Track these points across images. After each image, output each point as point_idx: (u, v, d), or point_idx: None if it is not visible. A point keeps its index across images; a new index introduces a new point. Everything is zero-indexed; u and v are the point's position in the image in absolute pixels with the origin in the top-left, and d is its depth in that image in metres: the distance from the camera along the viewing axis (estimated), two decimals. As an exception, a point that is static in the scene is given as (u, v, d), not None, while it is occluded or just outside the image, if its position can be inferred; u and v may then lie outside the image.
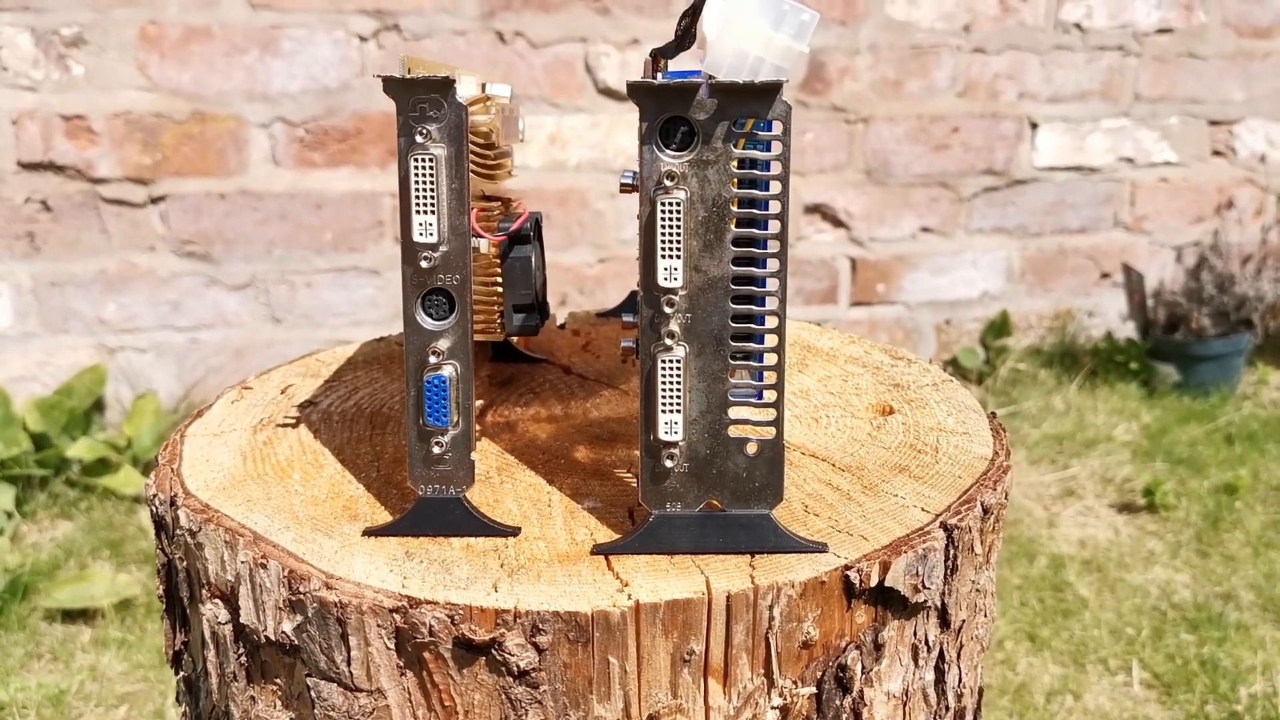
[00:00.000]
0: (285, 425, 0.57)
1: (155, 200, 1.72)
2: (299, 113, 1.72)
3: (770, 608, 0.43)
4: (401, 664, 0.43)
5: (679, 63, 0.51)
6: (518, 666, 0.42)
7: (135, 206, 1.72)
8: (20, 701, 1.24)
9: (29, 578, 1.42)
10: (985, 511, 0.49)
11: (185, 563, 0.49)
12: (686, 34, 0.53)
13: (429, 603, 0.42)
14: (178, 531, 0.49)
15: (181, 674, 0.54)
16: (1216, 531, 1.55)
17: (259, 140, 1.72)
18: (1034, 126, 1.96)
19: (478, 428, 0.57)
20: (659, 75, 0.52)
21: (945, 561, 0.47)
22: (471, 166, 0.54)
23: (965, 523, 0.47)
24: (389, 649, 0.43)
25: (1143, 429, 1.83)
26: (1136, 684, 1.27)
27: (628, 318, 0.50)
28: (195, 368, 1.79)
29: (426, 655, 0.42)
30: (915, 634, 0.47)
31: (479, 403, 0.59)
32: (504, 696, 0.42)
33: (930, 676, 0.49)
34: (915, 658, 0.48)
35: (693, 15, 0.52)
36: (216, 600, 0.47)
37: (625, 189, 0.46)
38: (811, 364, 0.64)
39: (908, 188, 1.94)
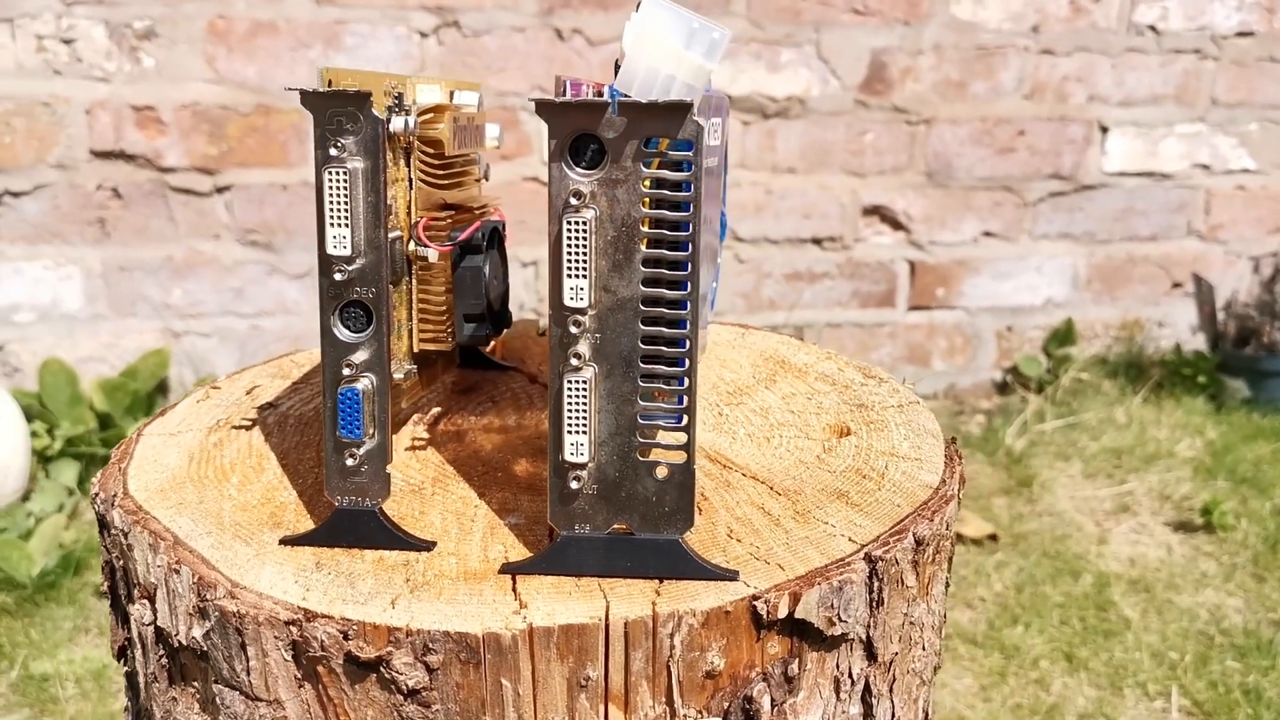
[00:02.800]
0: (239, 427, 0.57)
1: (220, 190, 1.75)
2: (355, 106, 1.74)
3: (671, 636, 0.42)
4: (299, 676, 0.43)
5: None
6: (407, 685, 0.41)
7: (201, 195, 1.76)
8: (64, 674, 1.28)
9: (81, 554, 1.46)
10: (918, 543, 0.47)
11: (121, 562, 0.50)
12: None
13: (324, 617, 0.42)
14: (114, 531, 0.50)
15: (125, 669, 0.55)
16: (1275, 555, 1.49)
17: (316, 133, 1.74)
18: (1104, 131, 1.91)
19: (426, 435, 0.57)
20: (609, 86, 0.51)
21: (869, 594, 0.46)
22: (422, 177, 0.54)
23: (892, 554, 0.46)
24: (286, 660, 0.43)
25: (1207, 445, 1.77)
26: (1175, 711, 1.22)
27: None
28: (256, 353, 1.83)
29: (320, 669, 0.42)
30: (838, 666, 0.46)
31: (435, 410, 0.59)
32: (396, 714, 0.42)
33: (856, 710, 0.48)
34: (837, 690, 0.46)
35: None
36: (144, 601, 0.48)
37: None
38: (780, 380, 0.63)
39: (970, 191, 1.90)
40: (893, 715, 0.49)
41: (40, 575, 1.41)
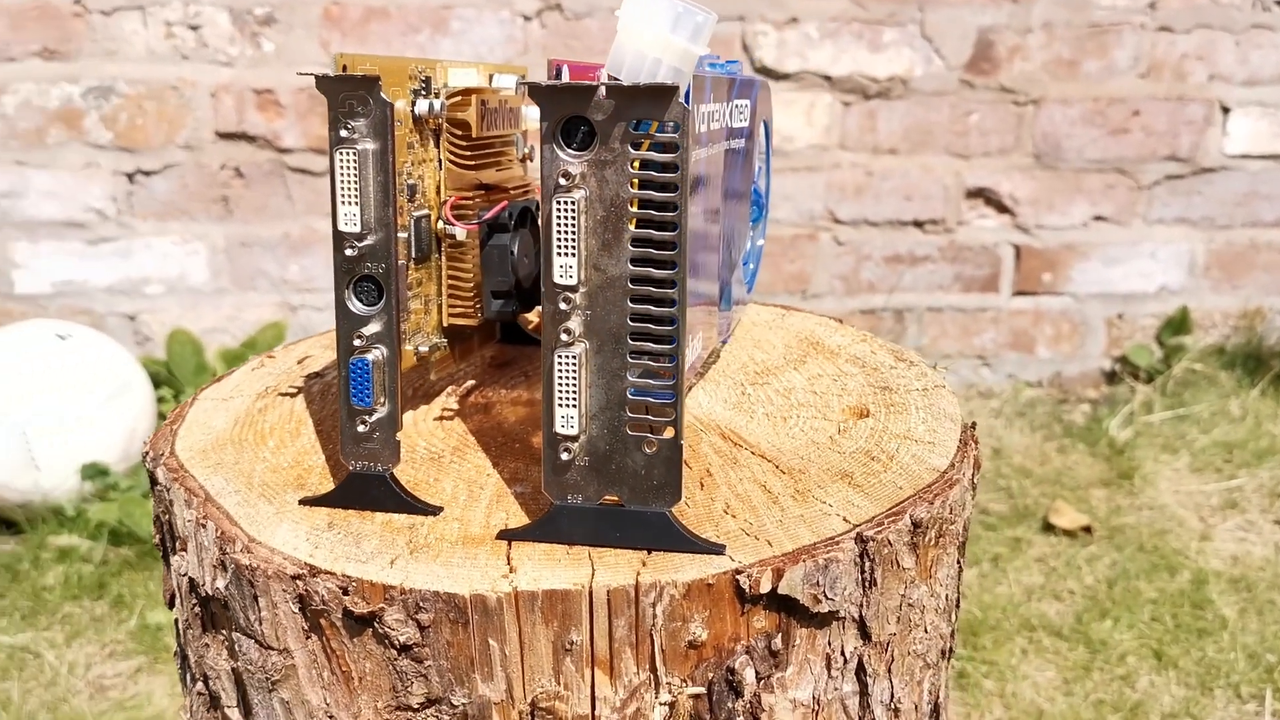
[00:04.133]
0: (285, 394, 0.61)
1: (330, 169, 1.81)
2: (459, 88, 1.78)
3: (653, 605, 0.43)
4: (306, 628, 0.46)
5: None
6: (399, 641, 0.44)
7: (316, 175, 1.82)
8: (170, 626, 1.36)
9: (197, 514, 1.54)
10: (916, 526, 0.48)
11: (166, 516, 0.54)
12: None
13: (326, 573, 0.44)
14: (158, 487, 0.53)
15: (175, 616, 0.59)
16: (1389, 558, 1.42)
17: (421, 114, 1.79)
18: (1225, 111, 1.83)
19: (456, 407, 0.59)
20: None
21: (861, 573, 0.46)
22: (451, 158, 0.56)
23: (884, 535, 0.46)
24: (294, 613, 0.45)
25: (1327, 442, 1.70)
26: (1269, 714, 1.18)
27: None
28: (362, 329, 1.89)
29: (323, 622, 0.45)
30: (829, 644, 0.47)
31: (469, 383, 0.62)
32: (392, 667, 0.44)
33: (849, 688, 0.48)
34: (828, 667, 0.47)
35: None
36: (183, 553, 0.51)
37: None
38: (810, 361, 0.63)
39: (1080, 173, 1.85)
40: (891, 695, 0.50)
41: (156, 533, 1.49)
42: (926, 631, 0.50)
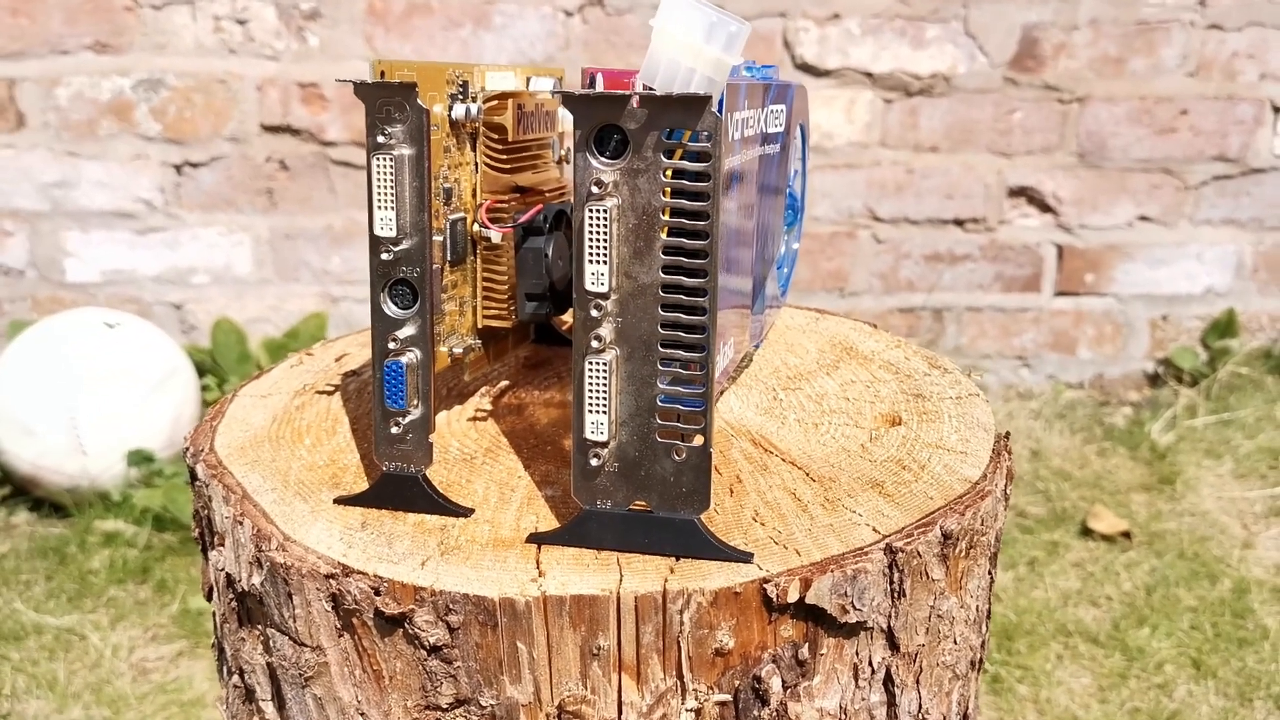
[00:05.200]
0: (322, 392, 0.61)
1: (373, 162, 1.83)
2: (501, 83, 1.79)
3: (680, 612, 0.44)
4: (339, 626, 0.46)
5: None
6: (429, 642, 0.44)
7: (359, 168, 1.84)
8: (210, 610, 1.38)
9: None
10: (946, 537, 0.47)
11: (205, 511, 0.54)
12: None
13: (359, 573, 0.45)
14: (198, 483, 0.54)
15: (213, 610, 0.60)
16: None
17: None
18: (1277, 111, 1.80)
19: (489, 408, 0.59)
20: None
21: (890, 584, 0.46)
22: (488, 161, 0.56)
23: (914, 546, 0.46)
24: (327, 611, 0.46)
25: (1375, 449, 1.67)
26: (1308, 726, 1.17)
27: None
28: (403, 321, 1.90)
29: (355, 621, 0.45)
30: (857, 654, 0.47)
31: (503, 383, 0.62)
32: (422, 667, 0.45)
33: (878, 698, 0.48)
34: (856, 677, 0.47)
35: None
36: (220, 548, 0.52)
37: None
38: (844, 367, 0.63)
39: (1125, 173, 1.83)
40: (919, 706, 0.50)
41: (198, 521, 1.51)
42: (956, 643, 0.50)
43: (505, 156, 0.57)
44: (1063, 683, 1.25)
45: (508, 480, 0.52)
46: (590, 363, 0.44)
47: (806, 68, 1.79)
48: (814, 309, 0.74)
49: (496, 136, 0.56)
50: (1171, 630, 1.31)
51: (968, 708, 0.54)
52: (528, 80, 0.61)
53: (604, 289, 0.44)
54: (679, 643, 0.44)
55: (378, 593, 0.45)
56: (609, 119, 0.43)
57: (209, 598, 0.59)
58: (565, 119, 0.64)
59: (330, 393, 0.61)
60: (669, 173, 0.43)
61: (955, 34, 1.78)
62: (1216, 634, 1.31)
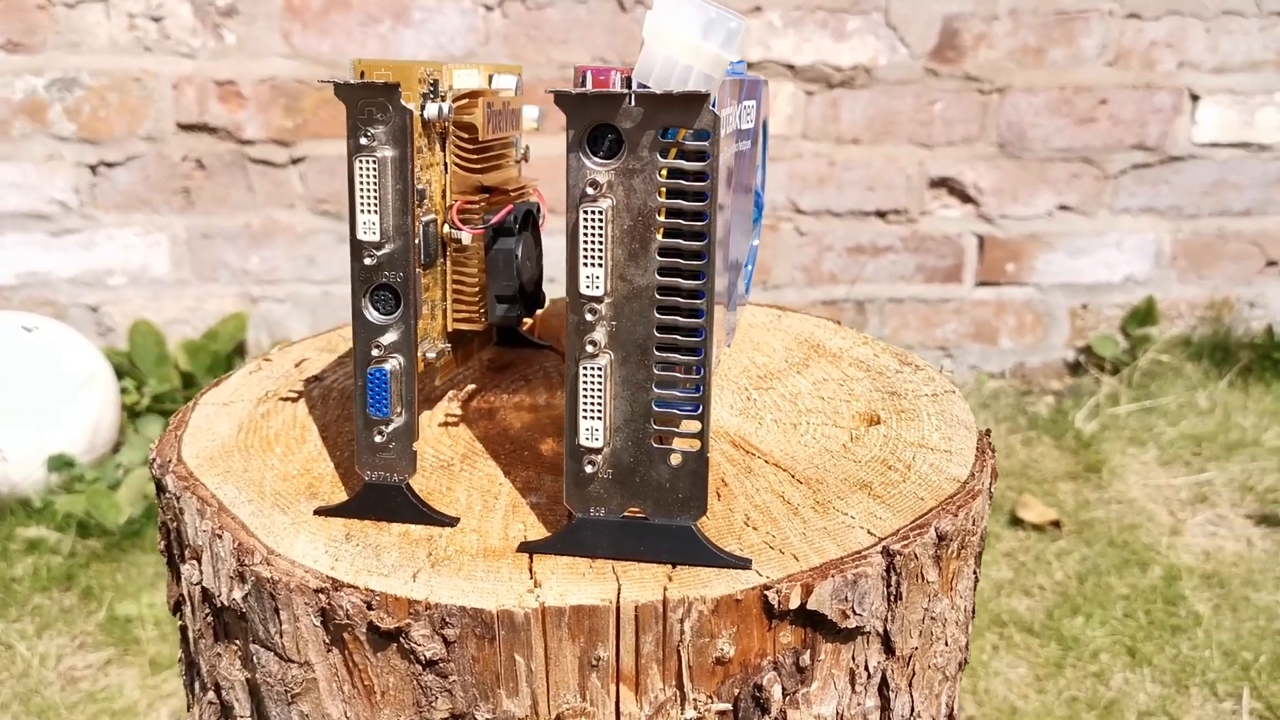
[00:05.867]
0: (286, 399, 0.59)
1: (295, 161, 1.79)
2: (428, 78, 1.76)
3: (681, 621, 0.43)
4: (328, 641, 0.45)
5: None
6: (425, 656, 0.43)
7: (277, 166, 1.80)
8: (146, 616, 1.34)
9: (164, 507, 1.52)
10: (941, 539, 0.47)
11: (175, 524, 0.52)
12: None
13: (350, 587, 0.43)
14: (167, 495, 0.52)
15: (180, 622, 0.57)
16: (1357, 549, 1.45)
17: (390, 104, 1.77)
18: (1194, 99, 1.85)
19: (459, 412, 0.58)
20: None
21: (886, 588, 0.46)
22: (457, 161, 0.55)
23: (911, 549, 0.46)
24: (316, 626, 0.45)
25: (1293, 433, 1.72)
26: (1246, 714, 1.20)
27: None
28: (327, 318, 1.87)
29: (346, 636, 0.44)
30: (853, 659, 0.47)
31: (469, 387, 0.61)
32: (416, 682, 0.44)
33: (872, 702, 0.48)
34: (852, 682, 0.47)
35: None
36: (193, 561, 0.50)
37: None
38: (813, 365, 0.63)
39: (1045, 163, 1.87)
40: (912, 710, 0.50)
41: (127, 523, 1.47)
42: (947, 644, 0.50)
43: (475, 156, 0.55)
44: (1000, 673, 1.26)
45: (489, 487, 0.51)
46: (585, 368, 0.43)
47: (734, 62, 1.79)
48: (773, 306, 0.74)
49: (466, 136, 0.55)
50: (1105, 619, 1.34)
51: (953, 709, 0.54)
52: (490, 78, 0.60)
53: (599, 292, 0.43)
54: (679, 652, 0.43)
55: (370, 606, 0.43)
56: (603, 118, 0.42)
57: (175, 612, 0.57)
58: (528, 116, 0.62)
59: (294, 399, 0.59)
60: (664, 172, 0.42)
61: (876, 25, 1.79)
62: (1150, 621, 1.34)
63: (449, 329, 0.56)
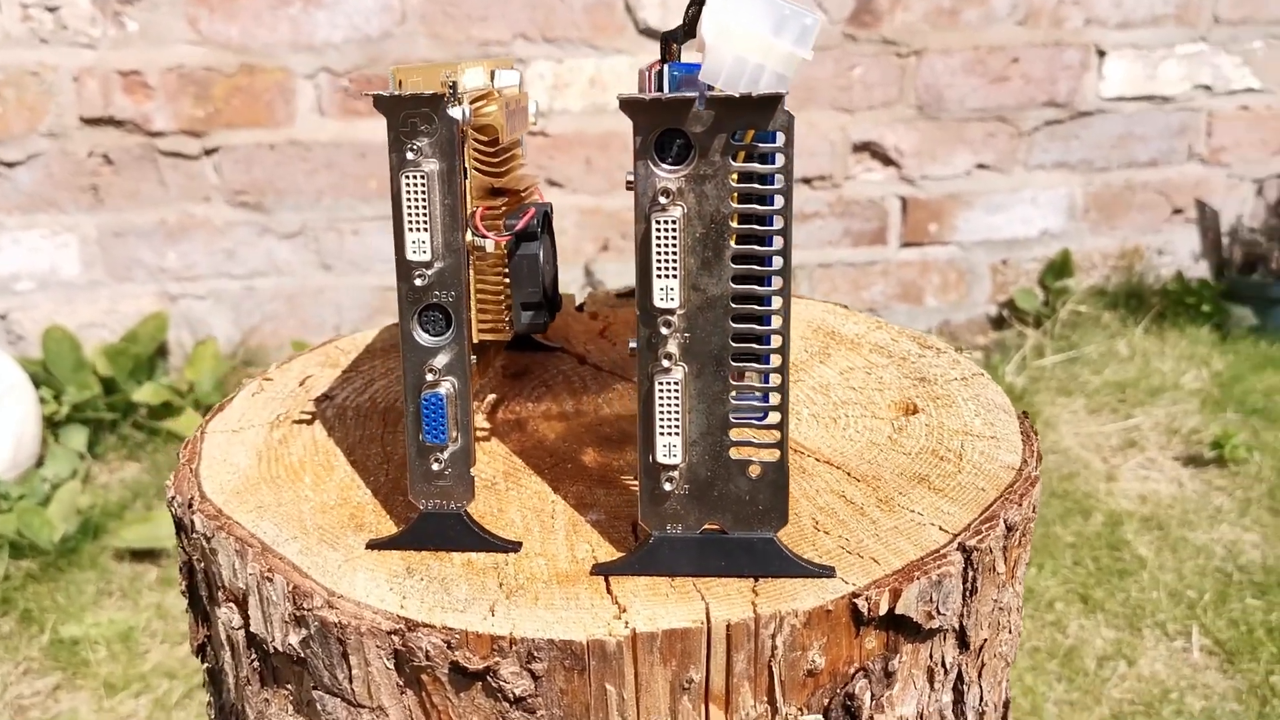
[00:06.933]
0: (300, 422, 0.57)
1: (209, 152, 1.72)
2: (342, 62, 1.71)
3: (773, 637, 0.42)
4: (401, 683, 0.43)
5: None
6: (513, 693, 0.41)
7: (190, 158, 1.73)
8: (93, 637, 1.29)
9: (99, 518, 1.46)
10: (1009, 530, 0.47)
11: (203, 564, 0.50)
12: (694, 23, 0.51)
13: (426, 626, 0.41)
14: (194, 535, 0.49)
15: (205, 665, 0.55)
16: (1288, 487, 1.50)
17: (305, 91, 1.71)
18: (1101, 55, 1.89)
19: (488, 425, 0.56)
20: (667, 64, 0.50)
21: (963, 585, 0.46)
22: (476, 165, 0.52)
23: (986, 544, 0.46)
24: (389, 669, 0.42)
25: (1214, 376, 1.78)
26: (1196, 651, 1.24)
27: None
28: (251, 314, 1.81)
29: (425, 678, 0.42)
30: (930, 657, 0.46)
31: (491, 397, 0.59)
32: (502, 719, 0.42)
33: (948, 698, 0.48)
34: (931, 680, 0.47)
35: (699, 4, 0.49)
36: (230, 605, 0.47)
37: (629, 186, 0.44)
38: (834, 353, 0.62)
39: (962, 123, 1.89)
40: (981, 699, 0.50)
41: (62, 541, 1.41)
42: (1011, 632, 0.50)
43: (495, 159, 0.53)
44: (966, 626, 1.29)
45: (541, 506, 0.49)
46: (660, 383, 0.42)
47: (650, 33, 1.77)
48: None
49: (485, 139, 0.52)
50: (1056, 568, 1.37)
51: (1007, 693, 0.54)
52: (491, 74, 0.58)
53: (674, 305, 0.41)
54: (770, 668, 0.42)
55: (451, 646, 0.41)
56: (672, 123, 0.40)
57: (200, 655, 0.54)
58: (530, 110, 0.60)
59: (309, 421, 0.57)
60: (734, 176, 0.41)
61: (800, -6, 1.79)
62: (1099, 568, 1.37)
63: (475, 340, 0.54)
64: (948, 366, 0.60)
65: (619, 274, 1.85)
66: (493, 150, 0.53)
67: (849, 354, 0.63)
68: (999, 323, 2.03)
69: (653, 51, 1.77)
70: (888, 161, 1.91)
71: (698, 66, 0.49)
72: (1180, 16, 1.89)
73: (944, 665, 0.47)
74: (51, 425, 1.62)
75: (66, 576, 1.38)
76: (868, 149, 1.90)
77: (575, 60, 1.75)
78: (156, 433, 1.67)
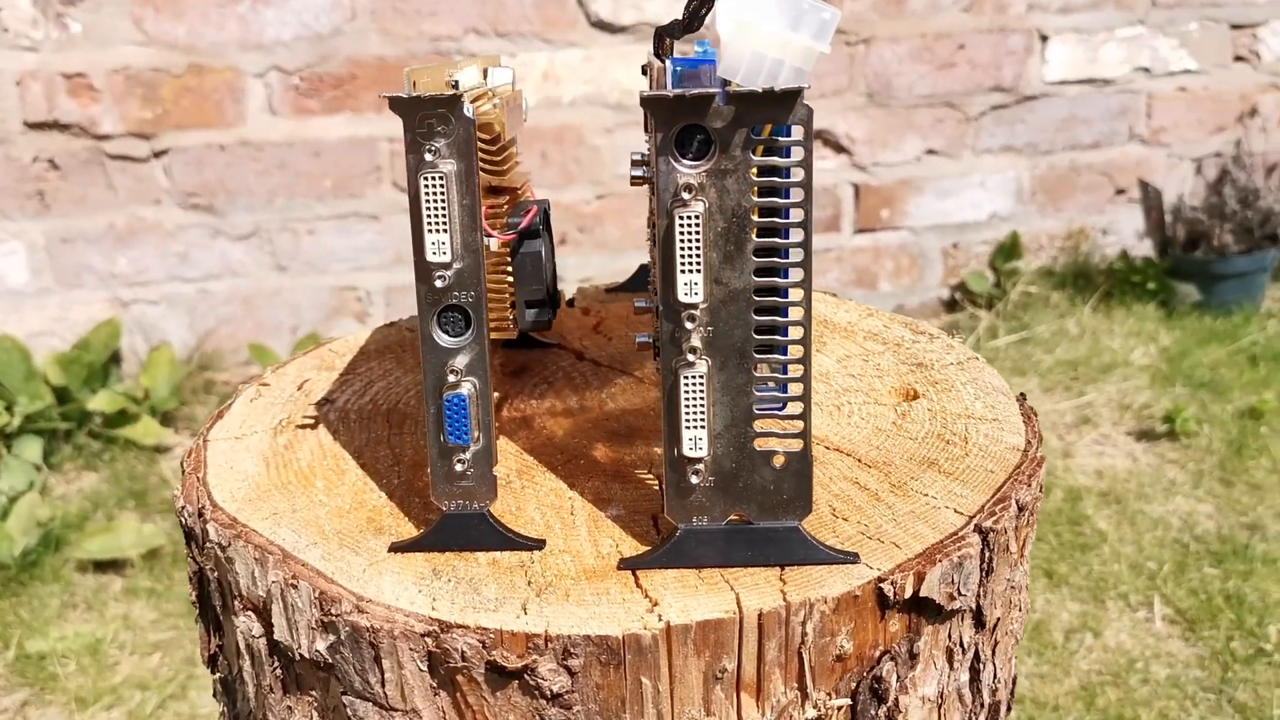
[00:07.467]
0: (304, 426, 0.56)
1: (158, 154, 1.70)
2: (293, 60, 1.69)
3: (803, 624, 0.43)
4: (435, 685, 0.43)
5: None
6: (551, 690, 0.42)
7: (139, 161, 1.70)
8: (60, 651, 1.27)
9: (60, 530, 1.44)
10: (1020, 509, 0.48)
11: (216, 573, 0.49)
12: (695, 17, 0.51)
13: (460, 627, 0.42)
14: (208, 544, 0.49)
15: (217, 675, 0.54)
16: (1241, 459, 1.54)
17: (255, 90, 1.69)
18: (1044, 39, 1.92)
19: (495, 424, 0.56)
20: (665, 58, 0.50)
21: (980, 566, 0.46)
22: (480, 165, 0.52)
23: (1000, 524, 0.47)
24: (422, 671, 0.43)
25: (1161, 352, 1.82)
26: (1159, 620, 1.27)
27: (640, 303, 0.49)
28: (206, 317, 1.78)
29: (459, 678, 0.42)
30: (950, 637, 0.47)
31: (494, 395, 0.59)
32: (538, 717, 0.42)
33: (965, 677, 0.49)
34: (950, 660, 0.47)
35: (703, 1, 0.50)
36: (249, 613, 0.47)
37: (636, 182, 0.45)
38: (829, 341, 0.63)
39: (911, 109, 1.91)
40: (994, 676, 0.51)
41: (23, 555, 1.38)
42: (1020, 609, 0.51)
43: (496, 158, 0.53)
44: (937, 606, 1.31)
45: (559, 503, 0.49)
46: (686, 377, 0.42)
47: (602, 25, 1.77)
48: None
49: (487, 137, 0.52)
50: (1024, 542, 1.39)
51: (1014, 669, 0.55)
52: (485, 72, 0.58)
53: (698, 299, 0.42)
54: (800, 654, 0.43)
55: (486, 646, 0.41)
56: (693, 119, 0.40)
57: (212, 666, 0.54)
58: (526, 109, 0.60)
59: (312, 426, 0.56)
60: (756, 171, 0.41)
61: (749, -16, 1.80)
62: (1061, 543, 1.40)
63: (479, 339, 0.54)
64: (942, 351, 0.61)
65: (577, 268, 1.85)
66: (494, 149, 0.53)
67: (844, 341, 0.63)
68: (951, 305, 2.06)
69: (605, 44, 1.77)
70: (839, 149, 1.93)
71: (698, 61, 0.49)
72: (1119, 1, 1.93)
73: (961, 645, 0.47)
74: (4, 437, 1.59)
75: (29, 590, 1.36)
76: (819, 137, 1.92)
77: (528, 54, 1.75)
78: (113, 441, 1.64)
